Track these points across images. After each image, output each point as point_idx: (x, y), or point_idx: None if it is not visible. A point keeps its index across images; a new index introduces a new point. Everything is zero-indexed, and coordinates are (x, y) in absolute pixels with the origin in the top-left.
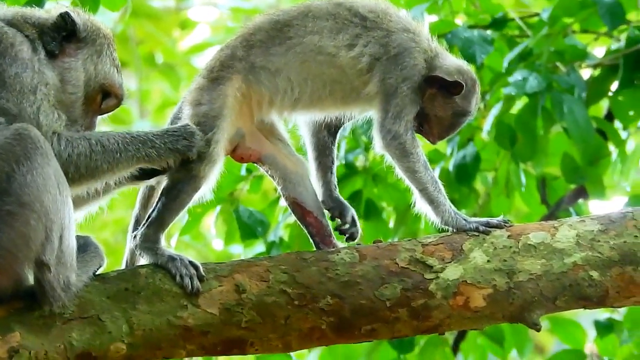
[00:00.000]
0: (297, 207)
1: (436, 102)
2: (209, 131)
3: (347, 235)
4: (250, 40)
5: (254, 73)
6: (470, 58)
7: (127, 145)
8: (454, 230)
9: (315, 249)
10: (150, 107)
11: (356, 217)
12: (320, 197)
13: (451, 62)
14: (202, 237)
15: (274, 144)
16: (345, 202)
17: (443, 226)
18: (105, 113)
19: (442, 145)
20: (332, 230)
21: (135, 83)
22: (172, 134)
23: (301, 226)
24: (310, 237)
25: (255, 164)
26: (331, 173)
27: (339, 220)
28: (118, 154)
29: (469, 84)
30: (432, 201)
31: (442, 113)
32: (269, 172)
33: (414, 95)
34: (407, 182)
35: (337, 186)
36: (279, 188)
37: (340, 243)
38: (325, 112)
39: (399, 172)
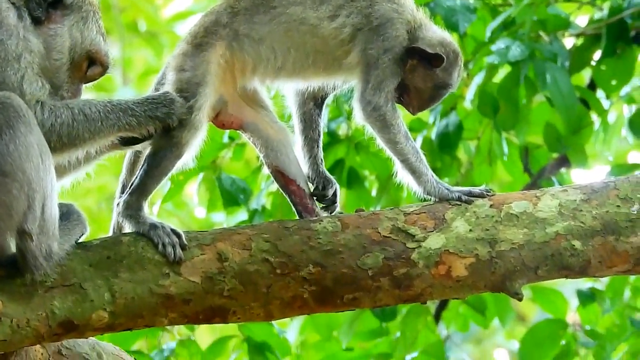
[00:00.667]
0: (279, 175)
1: (417, 74)
2: (191, 98)
3: (322, 206)
4: (235, 7)
5: (238, 40)
6: (453, 27)
7: (108, 113)
8: (437, 199)
9: (297, 217)
10: (133, 74)
11: (338, 193)
12: (305, 171)
13: (434, 33)
14: (185, 205)
15: (256, 111)
16: (331, 177)
17: (425, 196)
18: (91, 81)
19: (424, 114)
20: (314, 199)
21: (118, 51)
22: (152, 101)
23: (284, 194)
24: (293, 205)
25: (237, 131)
26: (317, 147)
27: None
28: (99, 123)
29: (450, 56)
30: (413, 171)
31: (422, 85)
32: (251, 140)
33: (395, 67)
34: (389, 152)
35: (323, 160)
36: (261, 156)
37: (323, 212)
38: (308, 81)
39: (380, 143)
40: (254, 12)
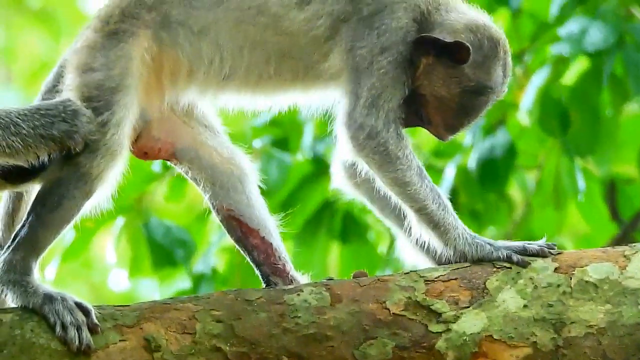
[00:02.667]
0: (234, 222)
1: (435, 76)
2: (105, 110)
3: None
4: None
5: (169, 29)
6: (501, 0)
7: None
8: (474, 260)
9: (263, 285)
10: (17, 69)
11: None
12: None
13: (457, 15)
14: (96, 266)
15: (195, 132)
16: None
17: (457, 259)
18: None
19: (459, 134)
20: (287, 257)
21: None
22: (45, 113)
23: (241, 251)
24: (256, 266)
25: (168, 162)
26: None
27: None
28: None
29: (485, 45)
30: (435, 224)
31: (445, 92)
32: (190, 174)
33: (399, 72)
34: (395, 199)
35: None
36: (206, 197)
37: (302, 275)
38: (271, 97)
39: (381, 184)
40: None
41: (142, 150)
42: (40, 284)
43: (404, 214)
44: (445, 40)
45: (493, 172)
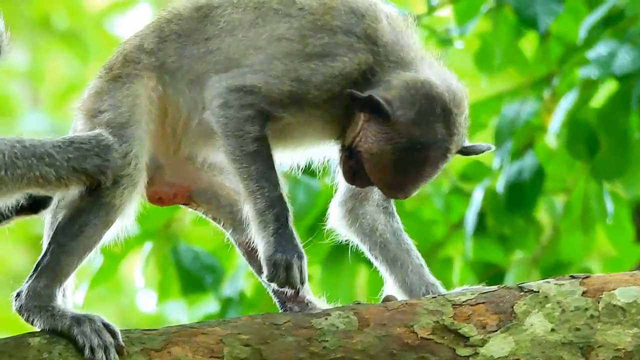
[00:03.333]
0: (255, 255)
1: (368, 132)
2: (122, 143)
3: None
4: (164, 30)
5: (170, 74)
6: (529, 22)
7: (15, 159)
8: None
9: (280, 310)
10: (45, 91)
11: None
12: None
13: (404, 73)
14: (124, 291)
15: (210, 175)
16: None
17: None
18: None
19: (487, 157)
20: (308, 284)
21: (24, 57)
22: (78, 147)
23: (263, 283)
24: (274, 294)
25: (185, 206)
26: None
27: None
28: (2, 172)
29: (416, 102)
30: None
31: (377, 148)
32: (210, 215)
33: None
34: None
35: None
36: (227, 233)
37: (322, 302)
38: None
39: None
40: (186, 40)
41: (156, 195)
42: (67, 307)
43: (397, 260)
44: (362, 95)
45: (521, 195)
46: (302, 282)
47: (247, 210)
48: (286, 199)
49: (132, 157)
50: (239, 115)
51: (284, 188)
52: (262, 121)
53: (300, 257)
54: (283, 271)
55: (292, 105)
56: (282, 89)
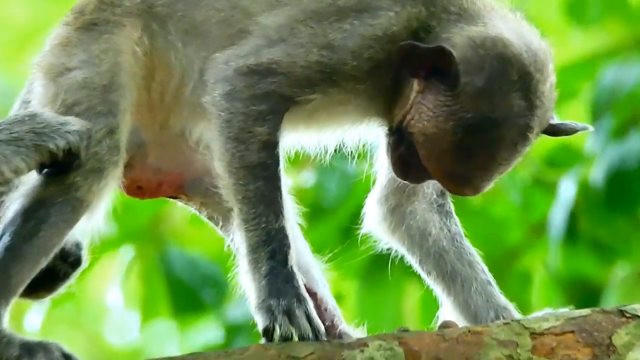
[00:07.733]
0: None
1: (424, 107)
2: (99, 115)
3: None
4: None
5: (160, 22)
6: None
7: None
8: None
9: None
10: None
11: None
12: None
13: (468, 27)
14: (94, 310)
15: (208, 159)
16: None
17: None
18: None
19: (579, 138)
20: (337, 309)
21: None
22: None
23: None
24: None
25: (173, 199)
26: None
27: None
28: None
29: (487, 65)
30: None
31: (434, 126)
32: (205, 212)
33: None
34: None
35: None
36: (228, 239)
37: (359, 329)
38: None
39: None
40: None
41: (135, 183)
42: (15, 333)
43: (457, 275)
44: (428, 47)
45: (624, 189)
46: (316, 330)
47: (237, 241)
48: (289, 233)
49: (105, 135)
50: (248, 111)
51: (290, 217)
52: (278, 117)
53: (301, 301)
54: (283, 317)
55: (322, 82)
56: (309, 61)
